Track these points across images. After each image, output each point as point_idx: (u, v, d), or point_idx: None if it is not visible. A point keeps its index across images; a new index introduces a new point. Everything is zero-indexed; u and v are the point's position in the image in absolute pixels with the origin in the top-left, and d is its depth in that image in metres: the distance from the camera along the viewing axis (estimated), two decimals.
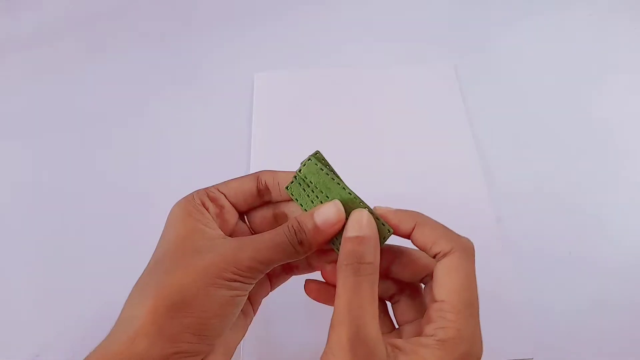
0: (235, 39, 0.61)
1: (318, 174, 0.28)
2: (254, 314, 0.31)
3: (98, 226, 0.46)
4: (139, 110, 0.54)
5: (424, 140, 0.50)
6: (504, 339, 0.39)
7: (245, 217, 0.31)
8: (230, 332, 0.28)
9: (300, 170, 0.28)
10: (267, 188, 0.30)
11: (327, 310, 0.40)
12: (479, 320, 0.24)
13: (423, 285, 0.29)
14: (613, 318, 0.41)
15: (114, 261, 0.43)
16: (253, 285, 0.26)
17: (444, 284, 0.25)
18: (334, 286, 0.26)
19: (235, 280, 0.25)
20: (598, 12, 0.62)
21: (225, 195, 0.29)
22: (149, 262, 0.27)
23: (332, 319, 0.24)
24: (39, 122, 0.54)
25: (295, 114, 0.53)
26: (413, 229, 0.26)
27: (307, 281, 0.30)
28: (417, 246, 0.27)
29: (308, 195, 0.28)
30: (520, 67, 0.57)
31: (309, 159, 0.28)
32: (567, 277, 0.42)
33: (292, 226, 0.26)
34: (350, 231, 0.26)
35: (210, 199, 0.29)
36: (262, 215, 0.31)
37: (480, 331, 0.24)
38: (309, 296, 0.30)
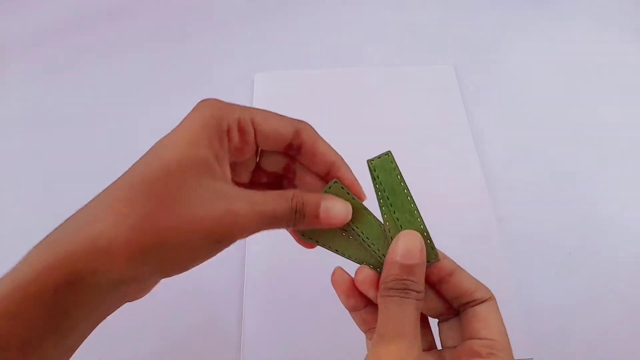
0: (236, 39, 0.61)
1: (390, 173, 0.27)
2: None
3: None
4: (139, 111, 0.54)
5: (424, 140, 0.50)
6: None
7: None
8: None
9: (373, 161, 0.27)
10: (300, 146, 0.28)
11: (327, 311, 0.40)
12: None
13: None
14: (613, 318, 0.41)
15: None
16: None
17: (493, 325, 0.26)
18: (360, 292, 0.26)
19: (220, 241, 0.23)
20: (599, 12, 0.62)
21: (256, 131, 0.27)
22: (133, 166, 0.25)
23: (376, 336, 0.24)
24: (39, 121, 0.54)
25: (295, 114, 0.52)
26: (451, 273, 0.27)
27: (339, 270, 0.28)
28: (452, 289, 0.27)
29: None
30: (520, 67, 0.57)
31: (387, 154, 0.27)
32: (568, 277, 0.42)
33: (296, 204, 0.25)
34: (401, 256, 0.25)
35: (239, 128, 0.26)
36: (273, 161, 0.29)
37: None
38: (333, 280, 0.28)
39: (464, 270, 0.27)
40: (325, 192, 0.27)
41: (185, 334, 0.40)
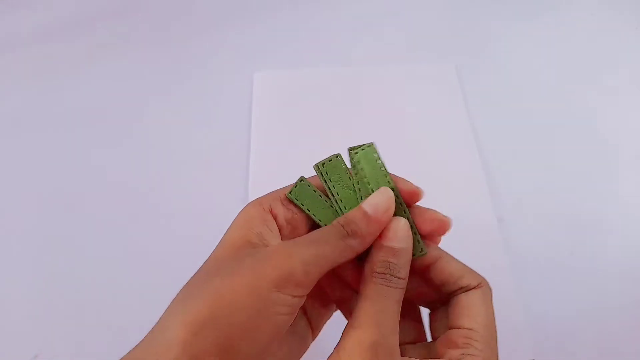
0: (235, 38, 0.60)
1: (374, 165, 0.26)
2: (313, 339, 0.28)
3: (98, 226, 0.46)
4: (138, 110, 0.54)
5: (424, 140, 0.50)
6: (504, 339, 0.38)
7: None
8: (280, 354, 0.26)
9: (356, 152, 0.26)
10: None
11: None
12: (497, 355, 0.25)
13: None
14: (614, 319, 0.40)
15: (114, 261, 0.43)
16: (300, 303, 0.23)
17: (474, 314, 0.25)
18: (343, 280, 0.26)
19: (282, 289, 0.22)
20: (600, 12, 0.62)
21: None
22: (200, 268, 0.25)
23: (352, 321, 0.23)
24: (39, 121, 0.54)
25: (294, 114, 0.53)
26: (436, 260, 0.26)
27: None
28: (438, 276, 0.26)
29: (348, 179, 0.27)
30: (521, 67, 0.57)
31: (369, 145, 0.26)
32: (569, 278, 0.42)
33: (340, 221, 0.25)
34: (386, 239, 0.25)
35: (282, 202, 0.26)
36: None
37: None
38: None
39: (452, 257, 0.26)
40: (292, 192, 0.26)
41: None
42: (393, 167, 0.51)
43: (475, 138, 0.50)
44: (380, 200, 0.25)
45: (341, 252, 0.24)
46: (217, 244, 0.26)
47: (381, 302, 0.23)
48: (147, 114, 0.54)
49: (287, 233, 0.26)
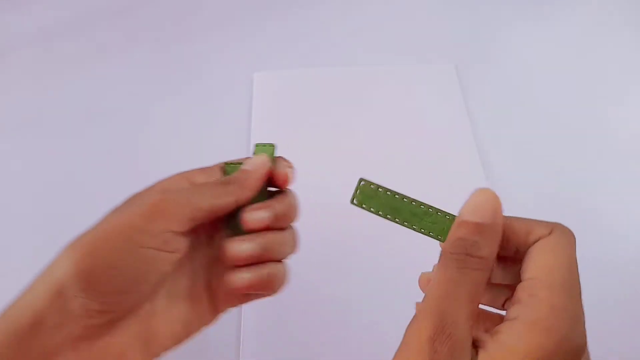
0: (235, 39, 0.60)
1: (377, 195, 0.24)
2: (212, 316, 0.28)
3: None
4: (139, 111, 0.54)
5: (424, 140, 0.50)
6: None
7: None
8: (164, 317, 0.26)
9: (355, 198, 0.24)
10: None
11: (326, 310, 0.40)
12: (581, 305, 0.20)
13: None
14: (614, 318, 0.40)
15: None
16: (175, 242, 0.24)
17: (537, 262, 0.21)
18: None
19: (152, 222, 0.24)
20: (599, 12, 0.62)
21: None
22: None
23: (417, 310, 0.21)
24: (40, 121, 0.54)
25: (294, 114, 0.53)
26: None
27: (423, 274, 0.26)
28: (509, 246, 0.23)
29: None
30: (520, 67, 0.57)
31: (361, 182, 0.24)
32: None
33: (223, 167, 0.28)
34: (466, 214, 0.22)
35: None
36: None
37: (583, 317, 0.20)
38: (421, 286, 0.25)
39: (517, 218, 0.23)
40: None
41: None
42: (392, 166, 0.51)
43: (475, 138, 0.50)
44: (256, 159, 0.27)
45: (219, 195, 0.25)
46: None
47: (449, 286, 0.20)
48: (148, 114, 0.54)
49: None
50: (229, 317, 0.40)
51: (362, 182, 0.25)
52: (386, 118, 0.52)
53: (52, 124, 0.53)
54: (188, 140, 0.51)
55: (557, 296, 0.19)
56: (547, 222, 0.22)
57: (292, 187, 0.29)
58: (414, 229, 0.24)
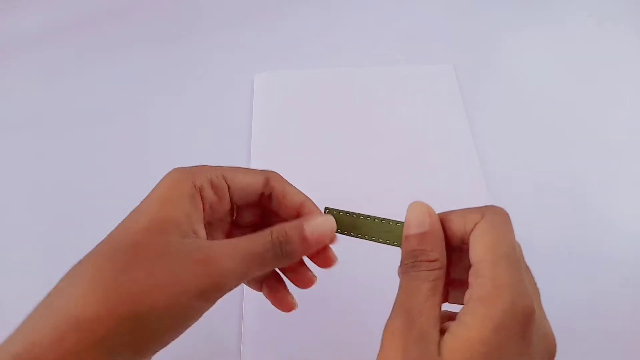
0: (235, 39, 0.61)
1: (339, 219, 0.27)
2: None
3: (99, 225, 0.45)
4: (140, 111, 0.54)
5: (423, 140, 0.50)
6: None
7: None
8: None
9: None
10: (270, 193, 0.28)
11: (327, 311, 0.40)
12: (522, 273, 0.22)
13: None
14: (613, 317, 0.41)
15: None
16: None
17: (476, 246, 0.23)
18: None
19: (204, 294, 0.22)
20: (597, 13, 0.62)
21: (229, 187, 0.27)
22: (111, 233, 0.25)
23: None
24: (40, 121, 0.54)
25: (295, 114, 0.53)
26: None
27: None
28: (452, 240, 0.25)
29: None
30: (519, 67, 0.57)
31: (326, 211, 0.28)
32: (567, 277, 0.42)
33: (277, 236, 0.25)
34: (407, 229, 0.24)
35: (212, 186, 0.26)
36: (248, 215, 0.30)
37: (526, 283, 0.22)
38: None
39: (451, 211, 0.25)
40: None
41: (184, 337, 0.40)
42: (392, 166, 0.51)
43: (474, 137, 0.50)
44: (325, 227, 0.26)
45: (271, 267, 0.25)
46: None
47: (410, 287, 0.23)
48: (148, 114, 0.54)
49: (207, 217, 0.26)
50: (229, 317, 0.40)
51: (327, 210, 0.28)
52: (385, 118, 0.52)
53: (52, 124, 0.53)
54: (188, 141, 0.52)
55: (498, 270, 0.21)
56: (479, 208, 0.24)
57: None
58: (373, 241, 0.27)
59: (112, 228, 0.47)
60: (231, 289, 0.24)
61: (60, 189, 0.48)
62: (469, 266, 0.23)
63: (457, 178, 0.48)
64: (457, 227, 0.24)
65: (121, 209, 0.46)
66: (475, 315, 0.21)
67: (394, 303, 0.23)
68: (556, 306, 0.41)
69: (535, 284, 0.24)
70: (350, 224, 0.27)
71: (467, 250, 0.24)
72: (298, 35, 0.61)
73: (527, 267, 0.24)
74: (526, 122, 0.52)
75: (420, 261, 0.23)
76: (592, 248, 0.44)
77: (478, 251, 0.22)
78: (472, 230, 0.23)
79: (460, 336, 0.21)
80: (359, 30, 0.61)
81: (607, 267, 0.43)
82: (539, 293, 0.24)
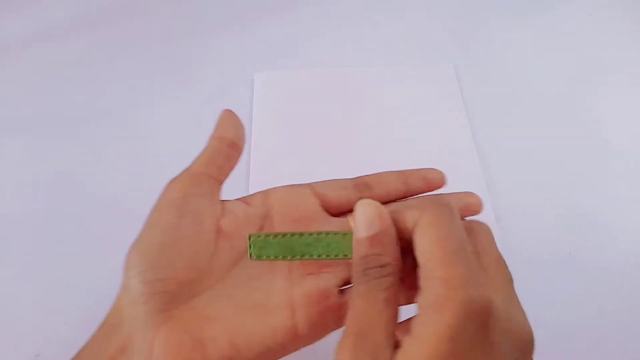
0: (235, 39, 0.61)
1: (268, 244, 0.25)
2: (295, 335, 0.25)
3: (99, 225, 0.46)
4: (139, 111, 0.54)
5: (423, 140, 0.50)
6: None
7: None
8: None
9: (251, 255, 0.25)
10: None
11: None
12: (473, 264, 0.20)
13: None
14: (613, 318, 0.41)
15: (115, 260, 0.43)
16: None
17: (418, 246, 0.21)
18: None
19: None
20: (598, 12, 0.62)
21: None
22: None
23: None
24: (40, 121, 0.54)
25: (295, 114, 0.53)
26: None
27: None
28: (402, 236, 0.23)
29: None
30: (520, 67, 0.57)
31: (250, 238, 0.25)
32: (567, 277, 0.42)
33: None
34: (357, 231, 0.22)
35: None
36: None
37: (481, 275, 0.20)
38: None
39: (402, 207, 0.23)
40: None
41: None
42: (392, 166, 0.51)
43: (474, 138, 0.50)
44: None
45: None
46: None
47: (361, 300, 0.21)
48: (148, 114, 0.54)
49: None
50: None
51: (252, 238, 0.25)
52: (385, 118, 0.52)
53: (52, 124, 0.53)
54: (188, 141, 0.51)
55: (445, 269, 0.19)
56: (413, 208, 0.22)
57: None
58: (314, 259, 0.25)
59: (112, 228, 0.46)
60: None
61: (60, 189, 0.48)
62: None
63: (457, 178, 0.47)
64: (406, 223, 0.22)
65: (121, 209, 0.46)
66: (426, 326, 0.19)
67: (348, 315, 0.21)
68: (555, 306, 0.41)
69: (506, 273, 0.22)
70: (282, 246, 0.25)
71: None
72: (298, 35, 0.61)
73: (498, 257, 0.22)
74: (526, 122, 0.52)
75: (371, 268, 0.21)
76: (592, 249, 0.44)
77: (420, 251, 0.21)
78: (413, 228, 0.22)
79: (411, 354, 0.19)
80: (359, 30, 0.61)
81: (608, 268, 0.43)
82: (511, 282, 0.22)
